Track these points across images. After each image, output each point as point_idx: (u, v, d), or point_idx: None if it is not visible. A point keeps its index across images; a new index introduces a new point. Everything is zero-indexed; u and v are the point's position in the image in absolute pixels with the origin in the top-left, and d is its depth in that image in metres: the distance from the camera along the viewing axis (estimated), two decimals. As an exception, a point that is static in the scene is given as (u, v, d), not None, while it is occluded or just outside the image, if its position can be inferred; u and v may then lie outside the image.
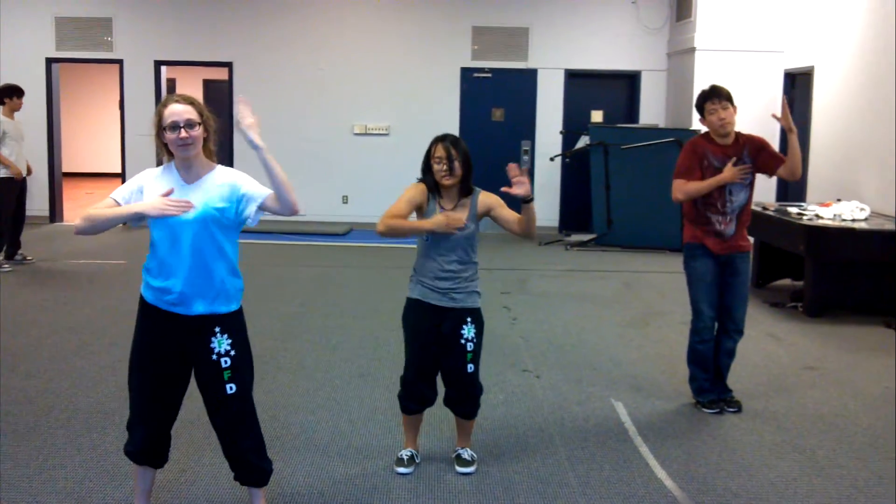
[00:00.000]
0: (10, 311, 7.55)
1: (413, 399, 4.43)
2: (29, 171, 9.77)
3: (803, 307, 8.10)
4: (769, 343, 7.15)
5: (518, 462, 4.62)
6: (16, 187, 9.47)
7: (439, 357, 4.36)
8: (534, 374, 6.17)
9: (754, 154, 5.35)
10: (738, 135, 5.40)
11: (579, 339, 7.13)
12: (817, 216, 8.26)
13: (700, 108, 5.35)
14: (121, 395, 5.46)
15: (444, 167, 4.20)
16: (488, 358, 6.54)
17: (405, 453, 4.52)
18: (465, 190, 4.29)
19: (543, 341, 7.07)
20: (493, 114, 13.17)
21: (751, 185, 5.39)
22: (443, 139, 4.26)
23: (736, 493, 4.28)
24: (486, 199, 4.31)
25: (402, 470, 4.44)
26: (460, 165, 4.21)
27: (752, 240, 5.63)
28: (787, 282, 9.10)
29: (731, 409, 5.44)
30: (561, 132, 12.99)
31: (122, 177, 13.08)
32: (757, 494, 4.28)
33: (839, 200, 8.68)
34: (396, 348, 6.33)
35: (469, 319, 4.31)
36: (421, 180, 4.31)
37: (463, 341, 4.30)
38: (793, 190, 11.12)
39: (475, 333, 4.33)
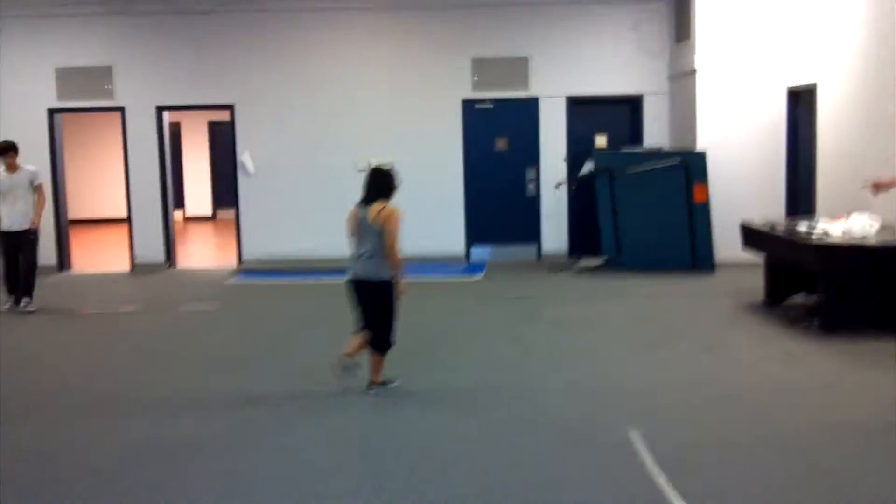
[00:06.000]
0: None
1: None
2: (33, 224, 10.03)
3: (818, 324, 7.99)
4: (783, 361, 7.05)
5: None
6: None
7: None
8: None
9: None
10: None
11: (592, 367, 7.04)
12: (826, 233, 8.15)
13: None
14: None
15: None
16: (500, 392, 6.47)
17: None
18: None
19: (555, 367, 6.99)
20: (496, 143, 13.14)
21: None
22: None
23: None
24: None
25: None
26: None
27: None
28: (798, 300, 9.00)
29: None
30: (564, 160, 12.93)
31: (128, 221, 13.11)
32: None
33: (849, 214, 8.57)
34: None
35: None
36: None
37: None
38: (804, 203, 11.02)
39: None
